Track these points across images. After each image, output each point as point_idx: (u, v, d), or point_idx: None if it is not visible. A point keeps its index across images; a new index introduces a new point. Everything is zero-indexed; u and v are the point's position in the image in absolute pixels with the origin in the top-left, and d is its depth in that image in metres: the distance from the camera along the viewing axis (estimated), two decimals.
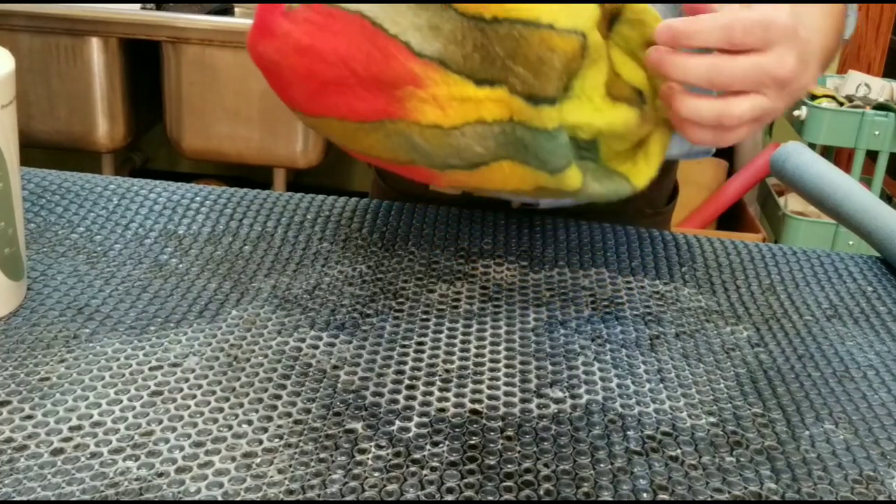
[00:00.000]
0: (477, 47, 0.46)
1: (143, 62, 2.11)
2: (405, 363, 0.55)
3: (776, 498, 0.46)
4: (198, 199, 0.77)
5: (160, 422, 0.48)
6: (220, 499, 0.43)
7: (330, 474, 0.45)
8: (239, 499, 0.43)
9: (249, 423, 0.48)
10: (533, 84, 0.46)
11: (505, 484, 0.45)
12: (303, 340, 0.57)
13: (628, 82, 0.49)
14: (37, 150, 2.11)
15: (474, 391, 0.53)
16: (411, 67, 0.47)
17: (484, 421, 0.50)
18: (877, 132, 1.97)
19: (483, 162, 0.50)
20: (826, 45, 0.58)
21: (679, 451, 0.49)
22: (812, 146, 1.93)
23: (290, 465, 0.45)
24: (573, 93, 0.48)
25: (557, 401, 0.52)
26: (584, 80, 0.48)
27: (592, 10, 0.46)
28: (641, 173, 0.50)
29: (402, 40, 0.47)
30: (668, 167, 0.89)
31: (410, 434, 0.48)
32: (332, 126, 0.53)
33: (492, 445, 0.48)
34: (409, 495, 0.44)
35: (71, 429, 0.47)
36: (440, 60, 0.47)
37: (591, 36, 0.46)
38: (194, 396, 0.50)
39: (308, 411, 0.50)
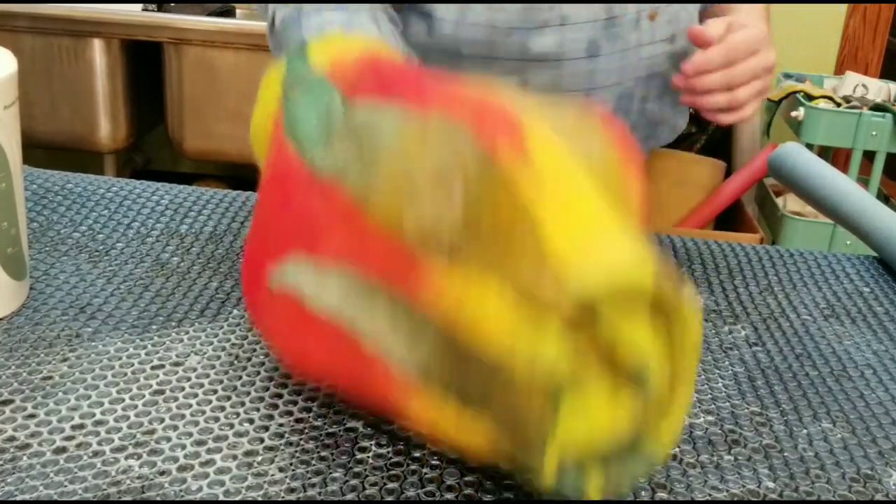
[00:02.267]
0: (454, 364, 0.41)
1: (144, 63, 2.11)
2: None
3: (774, 496, 0.46)
4: (200, 201, 0.77)
5: (162, 420, 0.48)
6: (221, 497, 0.43)
7: (331, 472, 0.45)
8: (240, 497, 0.43)
9: (251, 421, 0.49)
10: (514, 436, 0.40)
11: (505, 482, 0.46)
12: None
13: (630, 356, 0.41)
14: (39, 150, 2.12)
15: None
16: (394, 380, 0.42)
17: None
18: (874, 133, 1.97)
19: None
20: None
21: (677, 449, 0.49)
22: (810, 147, 1.93)
23: (292, 464, 0.46)
24: (568, 402, 0.41)
25: None
26: (576, 394, 0.41)
27: (553, 329, 0.39)
28: (662, 432, 0.43)
29: (381, 348, 0.42)
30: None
31: (411, 432, 0.49)
32: None
33: None
34: (410, 493, 0.44)
35: (73, 427, 0.47)
36: (422, 373, 0.42)
37: (558, 360, 0.39)
38: (196, 395, 0.51)
39: (309, 410, 0.50)
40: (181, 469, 0.45)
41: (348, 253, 0.43)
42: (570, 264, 0.40)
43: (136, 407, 0.49)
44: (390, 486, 0.45)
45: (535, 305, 0.40)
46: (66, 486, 0.43)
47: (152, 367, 0.53)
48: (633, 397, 0.41)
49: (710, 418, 0.52)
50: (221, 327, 0.58)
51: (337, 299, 0.43)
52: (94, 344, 0.55)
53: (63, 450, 0.45)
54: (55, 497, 0.42)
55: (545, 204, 0.40)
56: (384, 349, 0.42)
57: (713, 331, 0.62)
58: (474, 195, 0.41)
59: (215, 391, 0.51)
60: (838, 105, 2.03)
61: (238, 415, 0.49)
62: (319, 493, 0.44)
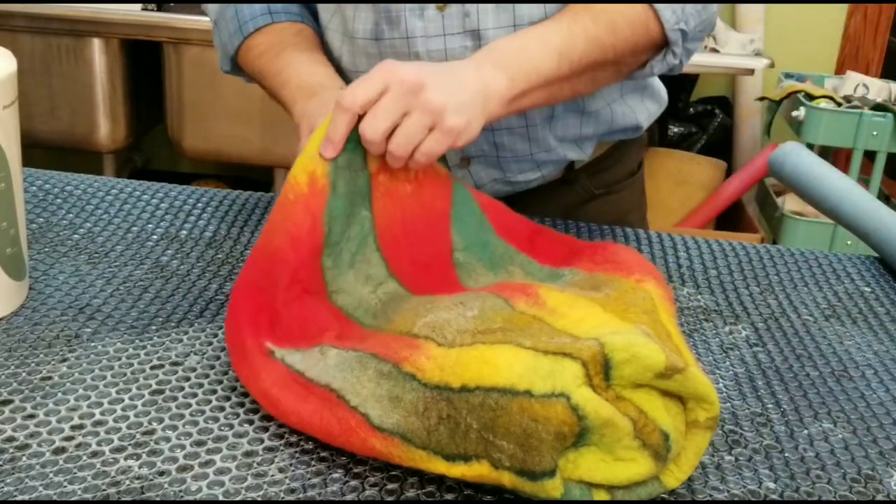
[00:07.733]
0: (443, 419, 0.43)
1: (144, 63, 2.11)
2: None
3: (775, 497, 0.46)
4: (200, 204, 0.77)
5: (161, 421, 0.48)
6: (221, 498, 0.43)
7: (331, 473, 0.45)
8: (240, 498, 0.43)
9: (251, 422, 0.49)
10: (524, 460, 0.41)
11: None
12: None
13: (655, 423, 0.44)
14: (38, 150, 2.11)
15: None
16: (372, 443, 0.44)
17: None
18: (875, 133, 1.97)
19: None
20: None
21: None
22: (810, 146, 1.93)
23: (292, 464, 0.46)
24: (590, 440, 0.43)
25: None
26: (601, 436, 0.43)
27: (573, 368, 0.42)
28: (671, 473, 0.45)
29: (361, 412, 0.45)
30: (615, 151, 0.85)
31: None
32: None
33: None
34: (410, 494, 0.44)
35: (73, 428, 0.47)
36: (401, 435, 0.43)
37: (577, 394, 0.41)
38: (195, 395, 0.50)
39: None
40: (181, 469, 0.45)
41: (350, 344, 0.49)
42: (584, 332, 0.45)
43: (135, 407, 0.49)
44: (390, 486, 0.45)
45: (553, 351, 0.43)
46: (65, 487, 0.43)
47: (151, 367, 0.53)
48: (652, 458, 0.44)
49: None
50: (221, 328, 0.58)
51: (332, 370, 0.48)
52: (93, 344, 0.55)
53: (62, 450, 0.45)
54: (54, 497, 0.42)
55: (558, 320, 0.47)
56: (363, 413, 0.45)
57: (713, 331, 0.62)
58: (489, 317, 0.48)
59: (215, 391, 0.51)
60: (839, 105, 2.03)
61: (238, 415, 0.49)
62: (319, 494, 0.44)
